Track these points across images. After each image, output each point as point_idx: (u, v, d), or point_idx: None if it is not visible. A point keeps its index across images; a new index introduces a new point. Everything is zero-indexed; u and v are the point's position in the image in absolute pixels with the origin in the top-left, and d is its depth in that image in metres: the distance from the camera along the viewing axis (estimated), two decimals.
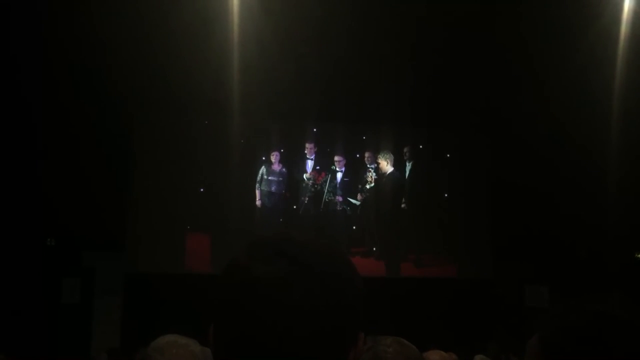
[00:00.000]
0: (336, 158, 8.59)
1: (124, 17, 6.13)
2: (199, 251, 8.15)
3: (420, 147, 8.83)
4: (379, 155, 8.65)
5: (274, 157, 8.43)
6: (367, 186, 8.63)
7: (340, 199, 8.57)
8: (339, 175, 8.61)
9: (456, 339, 5.77)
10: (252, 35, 6.50)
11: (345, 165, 8.63)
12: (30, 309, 6.80)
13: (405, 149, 8.76)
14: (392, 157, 8.67)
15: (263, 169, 8.42)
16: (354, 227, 8.62)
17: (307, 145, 8.54)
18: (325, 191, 8.50)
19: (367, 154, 8.68)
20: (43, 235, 7.45)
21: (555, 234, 8.06)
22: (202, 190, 8.22)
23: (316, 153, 8.57)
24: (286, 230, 0.87)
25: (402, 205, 8.71)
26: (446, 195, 8.84)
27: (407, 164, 8.77)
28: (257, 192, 8.38)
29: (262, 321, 0.74)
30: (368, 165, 8.65)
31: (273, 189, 8.42)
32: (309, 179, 8.46)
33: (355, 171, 8.67)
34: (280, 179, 8.46)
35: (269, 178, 8.42)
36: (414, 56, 7.29)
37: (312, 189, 8.49)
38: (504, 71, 7.39)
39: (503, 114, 8.15)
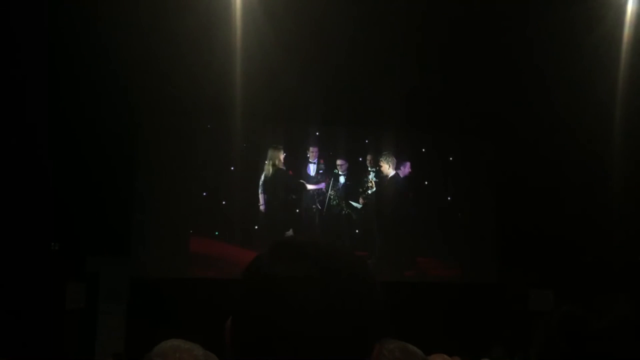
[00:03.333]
0: (339, 162, 8.56)
1: (127, 22, 6.15)
2: (203, 256, 8.14)
3: (423, 150, 8.80)
4: (381, 159, 8.62)
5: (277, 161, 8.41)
6: (369, 191, 8.58)
7: (344, 202, 8.54)
8: (342, 179, 8.58)
9: (461, 343, 5.75)
10: (254, 39, 6.52)
11: (348, 169, 8.60)
12: (34, 314, 6.80)
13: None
14: (394, 160, 8.63)
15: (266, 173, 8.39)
16: (357, 231, 8.59)
17: (310, 149, 8.51)
18: (329, 195, 8.47)
19: (368, 157, 8.64)
20: (47, 239, 7.45)
21: (560, 237, 8.02)
22: (205, 194, 8.21)
23: (319, 157, 8.54)
24: (309, 234, 0.88)
25: (405, 208, 8.66)
26: (449, 198, 8.80)
27: (401, 167, 8.71)
28: (261, 197, 8.36)
29: (279, 320, 0.74)
30: (369, 169, 8.61)
31: (277, 192, 8.39)
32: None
33: (358, 175, 8.64)
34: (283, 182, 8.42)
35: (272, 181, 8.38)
36: (417, 59, 7.29)
37: (319, 195, 8.46)
38: (508, 74, 7.38)
39: (507, 117, 8.13)
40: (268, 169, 8.39)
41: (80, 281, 7.71)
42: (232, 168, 8.26)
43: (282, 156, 8.41)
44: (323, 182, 8.49)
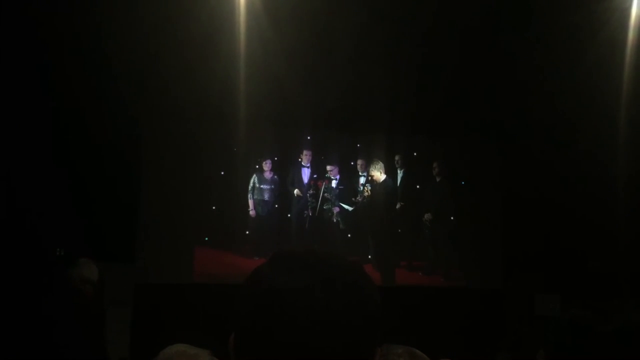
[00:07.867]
0: (328, 167, 8.46)
1: (130, 29, 6.18)
2: (208, 262, 8.13)
3: (415, 154, 8.70)
4: (371, 165, 8.53)
5: (266, 165, 8.34)
6: (360, 196, 8.48)
7: (337, 208, 8.46)
8: (334, 184, 8.52)
9: (466, 349, 5.73)
10: (258, 47, 6.55)
11: (340, 173, 8.53)
12: (39, 319, 6.81)
13: (397, 157, 8.60)
14: (382, 165, 8.55)
15: (255, 178, 8.32)
16: (349, 235, 8.51)
17: (304, 152, 8.39)
18: (320, 200, 8.38)
19: (359, 162, 8.55)
20: (53, 245, 7.47)
21: (565, 241, 7.99)
22: (208, 200, 8.16)
23: (312, 161, 8.47)
24: (309, 244, 0.88)
25: (398, 213, 8.58)
26: (449, 202, 8.71)
27: (399, 171, 8.64)
28: (250, 202, 8.29)
29: (283, 332, 0.74)
30: (360, 174, 8.55)
31: (266, 197, 8.32)
32: (310, 187, 8.34)
33: (350, 179, 8.55)
34: (272, 186, 8.35)
35: (261, 186, 8.32)
36: (412, 62, 7.27)
37: (312, 200, 8.38)
38: (511, 79, 7.37)
39: (511, 121, 8.10)
40: (256, 173, 8.29)
41: None
42: (225, 173, 8.22)
43: (270, 160, 8.37)
44: (316, 186, 8.40)
